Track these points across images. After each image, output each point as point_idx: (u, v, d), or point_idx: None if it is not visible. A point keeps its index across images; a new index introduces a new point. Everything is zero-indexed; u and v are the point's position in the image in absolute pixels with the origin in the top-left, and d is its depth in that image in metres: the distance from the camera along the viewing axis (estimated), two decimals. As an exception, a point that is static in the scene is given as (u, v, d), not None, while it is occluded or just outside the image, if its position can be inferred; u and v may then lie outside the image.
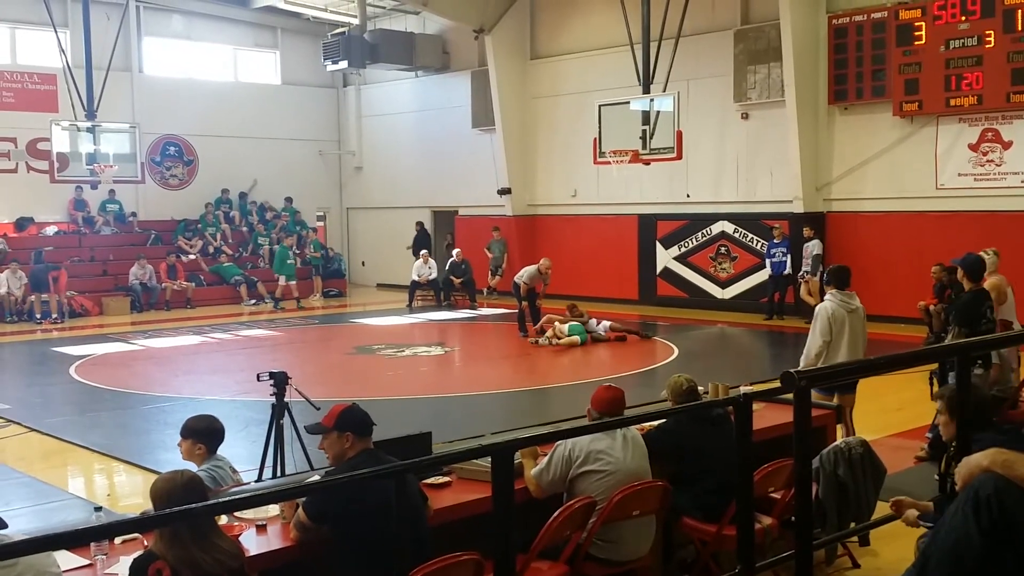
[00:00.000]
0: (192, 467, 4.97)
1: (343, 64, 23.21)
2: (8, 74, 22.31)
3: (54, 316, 19.72)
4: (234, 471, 5.35)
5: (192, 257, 23.51)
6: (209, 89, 25.11)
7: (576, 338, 15.33)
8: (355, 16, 23.98)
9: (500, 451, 3.75)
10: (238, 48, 26.12)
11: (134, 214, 24.02)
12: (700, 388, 6.48)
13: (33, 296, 19.88)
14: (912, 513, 4.81)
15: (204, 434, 5.28)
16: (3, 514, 3.89)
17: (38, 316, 19.72)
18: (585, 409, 5.46)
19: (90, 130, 19.44)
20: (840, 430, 7.13)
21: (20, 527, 5.08)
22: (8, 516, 3.93)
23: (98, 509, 5.03)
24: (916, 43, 16.41)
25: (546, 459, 5.14)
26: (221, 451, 5.38)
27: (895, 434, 9.38)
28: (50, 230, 22.68)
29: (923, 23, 16.33)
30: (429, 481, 5.03)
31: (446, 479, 5.17)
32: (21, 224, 22.39)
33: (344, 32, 23.39)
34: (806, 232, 17.54)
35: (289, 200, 25.92)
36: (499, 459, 3.72)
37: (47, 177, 21.76)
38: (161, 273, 22.08)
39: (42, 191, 22.38)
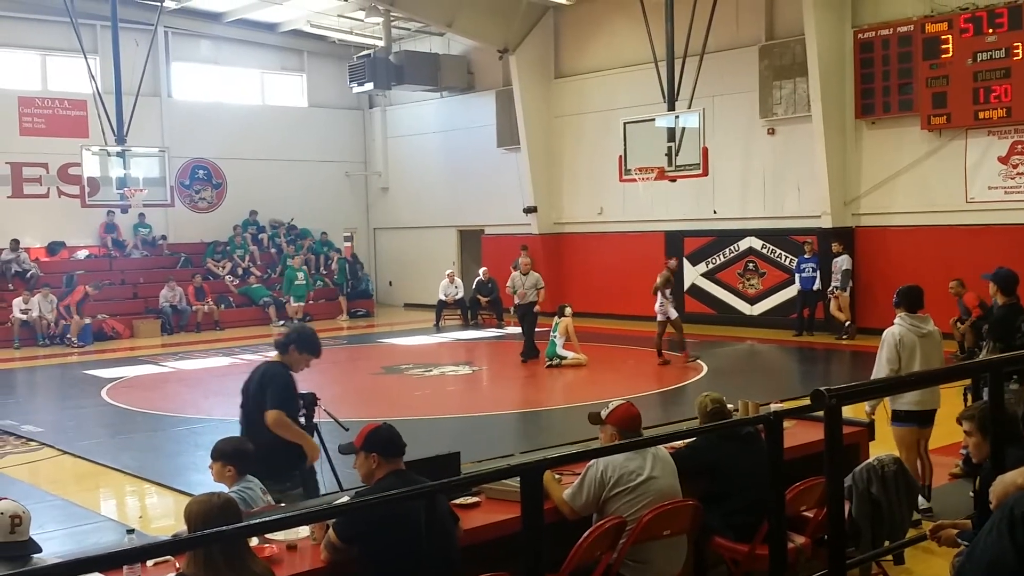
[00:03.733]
0: (223, 489, 5.00)
1: (369, 86, 23.39)
2: (39, 100, 22.63)
3: (71, 338, 19.88)
4: (264, 492, 5.37)
5: (226, 277, 23.67)
6: (237, 113, 25.35)
7: (583, 356, 15.35)
8: (380, 38, 24.17)
9: (529, 471, 3.74)
10: (265, 72, 26.36)
11: (164, 237, 24.25)
12: (730, 406, 6.44)
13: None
14: (950, 532, 4.75)
15: (234, 456, 5.33)
16: (37, 537, 3.92)
17: (71, 338, 19.89)
18: (599, 431, 5.36)
19: (120, 155, 19.64)
20: (872, 448, 7.02)
21: (53, 550, 5.11)
22: (42, 539, 3.97)
23: (130, 531, 5.06)
24: (943, 56, 16.32)
25: (578, 481, 5.09)
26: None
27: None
28: (81, 254, 22.93)
29: (950, 36, 16.24)
30: (458, 501, 5.02)
31: (475, 499, 5.15)
32: (53, 248, 22.66)
33: (369, 54, 23.57)
34: (835, 247, 17.44)
35: (294, 227, 25.94)
36: (528, 479, 3.71)
37: (78, 202, 22.01)
38: (188, 296, 22.24)
39: (73, 216, 22.65)
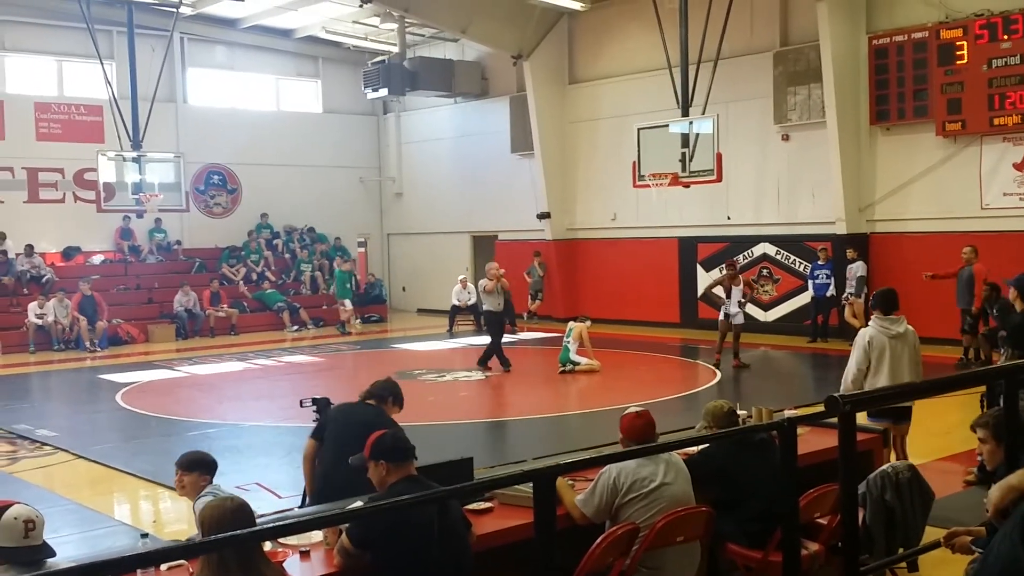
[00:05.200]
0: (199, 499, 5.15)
1: (383, 92, 23.47)
2: (55, 106, 22.77)
3: (95, 341, 20.04)
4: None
5: (240, 282, 23.74)
6: (252, 118, 25.45)
7: (596, 363, 15.31)
8: (395, 44, 24.25)
9: (542, 476, 3.74)
10: (280, 78, 26.47)
11: (179, 242, 24.35)
12: (743, 412, 6.43)
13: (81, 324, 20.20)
14: (964, 539, 4.72)
15: (211, 466, 5.57)
16: (51, 541, 3.93)
17: (87, 344, 20.00)
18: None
19: (136, 160, 19.77)
20: (890, 455, 7.01)
21: (68, 554, 5.14)
22: (56, 543, 3.98)
23: (144, 536, 5.10)
24: (958, 62, 16.27)
25: (590, 487, 5.08)
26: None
27: (943, 458, 9.23)
28: (97, 259, 23.03)
29: (965, 42, 16.19)
30: (471, 507, 5.02)
31: (488, 505, 5.15)
32: (68, 253, 22.77)
33: (384, 60, 23.64)
34: (850, 254, 17.38)
35: (312, 231, 26.01)
36: (541, 484, 3.71)
37: (94, 207, 22.20)
38: (203, 301, 22.32)
39: (89, 221, 22.78)
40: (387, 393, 6.48)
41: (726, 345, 15.36)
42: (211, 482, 5.47)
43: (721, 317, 15.47)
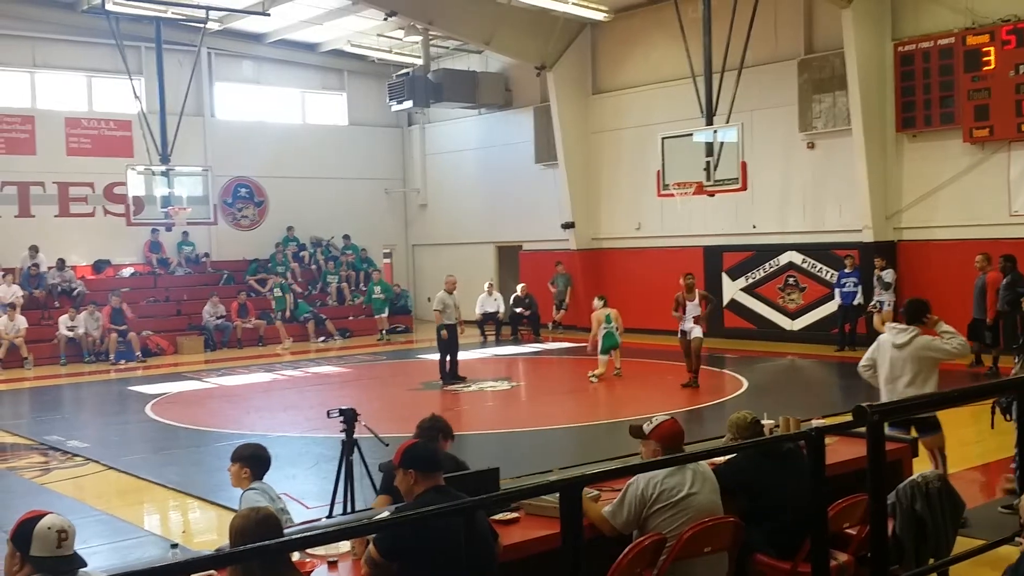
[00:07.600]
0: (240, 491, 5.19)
1: (408, 104, 23.59)
2: (85, 121, 23.03)
3: (137, 354, 20.26)
4: (278, 497, 5.52)
5: (267, 294, 23.87)
6: (278, 131, 25.65)
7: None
8: (419, 57, 24.37)
9: (568, 487, 3.74)
10: (306, 91, 26.66)
11: (207, 255, 24.54)
12: (771, 422, 6.40)
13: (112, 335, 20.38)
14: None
15: (251, 460, 5.60)
16: (82, 551, 3.97)
17: (111, 358, 20.19)
18: (640, 445, 5.34)
19: (164, 174, 19.97)
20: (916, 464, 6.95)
21: (98, 564, 5.18)
22: (86, 553, 4.02)
23: (174, 546, 5.14)
24: (985, 68, 16.15)
25: (618, 499, 5.07)
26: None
27: (973, 467, 9.15)
28: (126, 272, 23.26)
29: (991, 48, 16.07)
30: (497, 517, 5.02)
31: (514, 515, 5.15)
32: (99, 266, 23.00)
33: (408, 73, 23.77)
34: (878, 262, 17.25)
35: (347, 238, 26.24)
36: (567, 495, 3.71)
37: (123, 220, 22.43)
38: (232, 312, 22.47)
39: (119, 234, 23.02)
40: (436, 431, 6.27)
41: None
42: (255, 477, 5.55)
43: (679, 336, 14.57)
